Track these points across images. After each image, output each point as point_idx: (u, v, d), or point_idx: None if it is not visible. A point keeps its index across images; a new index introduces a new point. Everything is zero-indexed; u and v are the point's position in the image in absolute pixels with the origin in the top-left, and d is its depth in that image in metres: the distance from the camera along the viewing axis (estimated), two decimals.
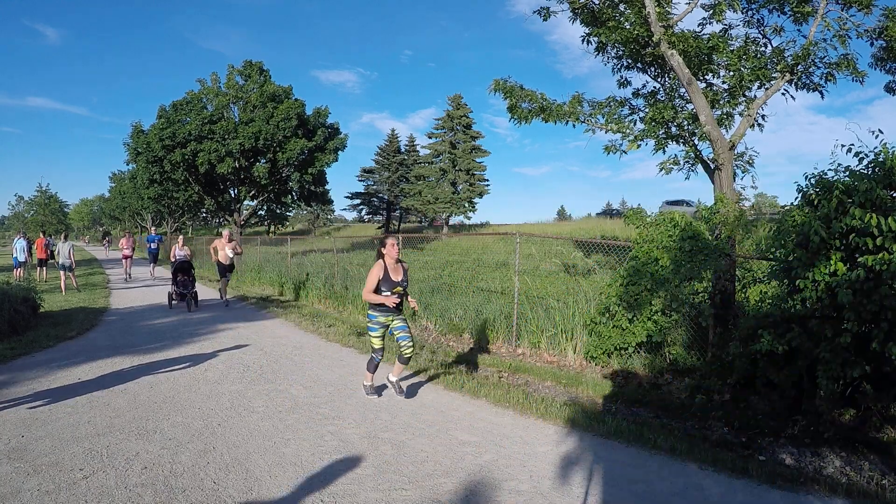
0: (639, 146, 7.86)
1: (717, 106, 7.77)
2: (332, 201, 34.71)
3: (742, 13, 7.85)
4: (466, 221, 52.54)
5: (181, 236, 13.29)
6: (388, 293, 4.79)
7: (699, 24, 7.93)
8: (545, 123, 8.18)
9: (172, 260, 12.13)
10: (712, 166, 7.03)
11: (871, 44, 7.50)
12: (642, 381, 5.66)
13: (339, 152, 25.24)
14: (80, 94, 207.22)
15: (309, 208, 42.90)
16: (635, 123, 8.48)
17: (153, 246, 18.84)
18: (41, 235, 18.31)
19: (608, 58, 8.76)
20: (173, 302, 11.21)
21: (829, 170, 4.26)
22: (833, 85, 7.31)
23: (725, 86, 7.79)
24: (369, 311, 4.96)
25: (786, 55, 7.25)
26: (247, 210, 26.76)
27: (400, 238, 10.07)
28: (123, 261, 18.26)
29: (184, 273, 11.23)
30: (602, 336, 6.15)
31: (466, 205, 50.05)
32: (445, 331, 8.27)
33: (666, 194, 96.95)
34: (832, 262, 3.87)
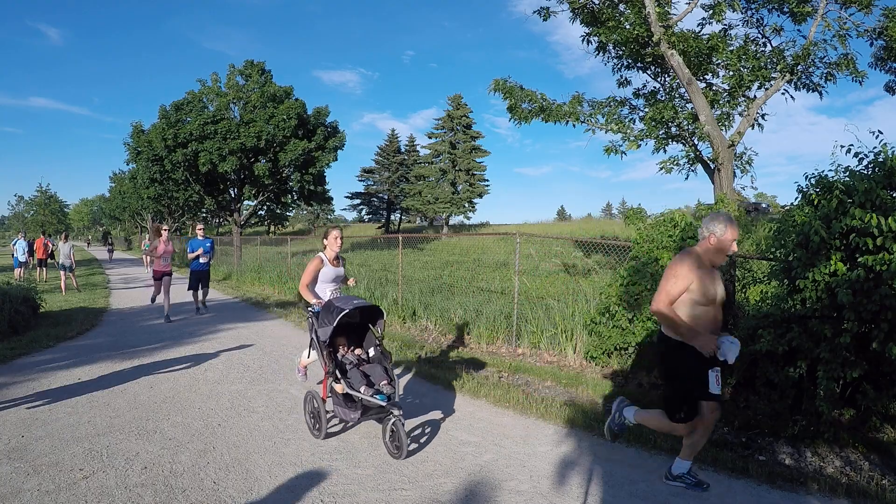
0: (639, 146, 7.87)
1: (717, 106, 7.77)
2: (332, 199, 34.77)
3: (742, 13, 7.86)
4: (466, 221, 52.58)
5: (335, 230, 4.99)
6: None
7: (699, 24, 7.94)
8: (545, 123, 8.19)
9: (313, 305, 4.29)
10: (712, 166, 7.03)
11: (871, 44, 7.51)
12: (642, 381, 5.66)
13: (339, 151, 25.25)
14: (81, 94, 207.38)
15: (309, 208, 42.92)
16: (635, 123, 8.49)
17: (202, 260, 10.21)
18: (41, 236, 18.33)
19: (608, 57, 8.78)
20: (334, 422, 4.24)
21: (829, 170, 4.26)
22: (833, 85, 7.33)
23: (725, 86, 7.80)
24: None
25: (785, 55, 7.26)
26: (247, 210, 26.76)
27: (400, 238, 10.08)
28: (155, 282, 9.88)
29: (356, 338, 4.35)
30: (602, 336, 6.15)
31: (466, 205, 50.08)
32: (445, 331, 8.27)
33: (666, 195, 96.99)
34: (832, 262, 3.87)
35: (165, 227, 9.94)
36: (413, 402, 4.99)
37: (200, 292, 10.50)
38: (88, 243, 68.38)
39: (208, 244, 10.35)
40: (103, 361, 6.37)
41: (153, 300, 10.28)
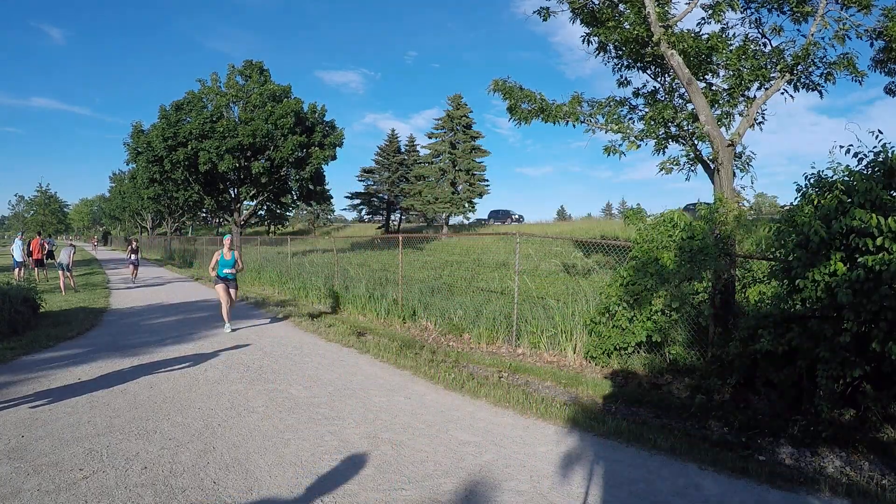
0: (638, 146, 7.85)
1: (716, 106, 7.77)
2: (332, 197, 34.68)
3: (741, 13, 7.85)
4: (466, 221, 52.60)
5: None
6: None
7: (698, 24, 7.93)
8: (545, 124, 8.17)
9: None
10: (712, 166, 7.03)
11: (871, 44, 7.50)
12: (642, 381, 5.66)
13: (338, 148, 25.18)
14: (82, 94, 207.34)
15: (308, 208, 42.92)
16: (634, 122, 8.49)
17: None
18: (36, 237, 18.32)
19: (608, 57, 8.77)
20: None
21: (828, 169, 4.26)
22: (832, 85, 7.31)
23: (725, 86, 7.79)
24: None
25: (785, 55, 7.25)
26: (246, 210, 26.75)
27: (400, 238, 10.08)
28: None
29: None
30: (602, 336, 6.15)
31: (466, 205, 50.04)
32: (445, 331, 8.27)
33: (666, 195, 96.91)
34: (832, 262, 3.87)
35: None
36: (413, 401, 4.99)
37: None
38: (95, 246, 56.88)
39: None
40: (103, 361, 6.36)
41: None
